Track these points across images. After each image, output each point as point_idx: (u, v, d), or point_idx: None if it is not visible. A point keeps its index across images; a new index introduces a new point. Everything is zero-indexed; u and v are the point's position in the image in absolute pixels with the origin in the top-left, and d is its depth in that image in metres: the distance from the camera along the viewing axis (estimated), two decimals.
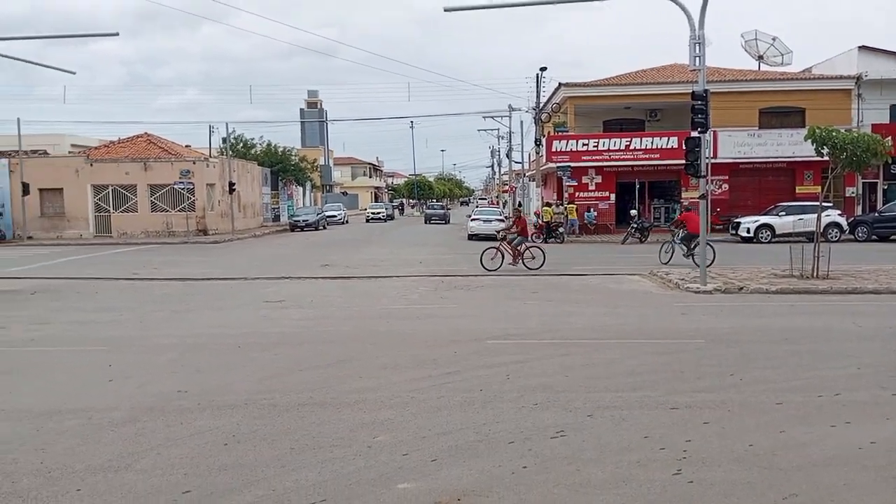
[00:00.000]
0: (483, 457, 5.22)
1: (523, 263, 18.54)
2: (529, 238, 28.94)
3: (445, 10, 16.85)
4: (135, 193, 35.69)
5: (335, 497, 4.56)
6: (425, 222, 53.96)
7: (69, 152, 41.89)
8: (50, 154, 39.37)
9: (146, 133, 40.80)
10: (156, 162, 35.86)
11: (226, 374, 7.84)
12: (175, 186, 33.80)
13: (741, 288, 14.18)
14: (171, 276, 18.27)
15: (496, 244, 19.38)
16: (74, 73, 31.25)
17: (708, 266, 16.97)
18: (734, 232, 28.86)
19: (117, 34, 21.16)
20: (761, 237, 27.68)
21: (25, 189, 33.22)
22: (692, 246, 18.94)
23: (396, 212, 72.61)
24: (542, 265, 18.36)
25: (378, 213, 59.99)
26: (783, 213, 28.20)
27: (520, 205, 36.89)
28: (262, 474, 4.96)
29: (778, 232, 27.58)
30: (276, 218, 50.99)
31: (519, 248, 18.81)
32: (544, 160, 35.30)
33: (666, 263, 19.13)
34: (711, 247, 18.32)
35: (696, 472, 4.87)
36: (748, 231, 27.98)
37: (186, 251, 27.75)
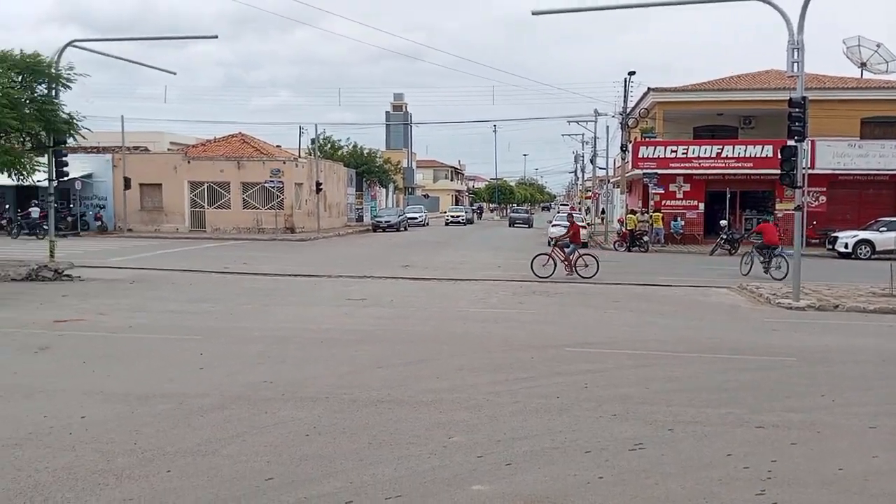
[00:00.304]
0: (558, 464, 5.19)
1: (576, 272, 18.01)
2: (616, 245, 28.45)
3: (533, 14, 16.81)
4: (228, 191, 37.10)
5: (410, 494, 4.63)
6: (510, 225, 56.88)
7: (168, 149, 43.91)
8: (150, 151, 41.39)
9: (240, 133, 42.35)
10: (248, 161, 37.17)
11: (309, 368, 8.06)
12: (266, 185, 34.99)
13: (837, 305, 13.54)
14: (260, 271, 18.90)
15: (548, 250, 18.85)
16: (175, 74, 32.89)
17: (782, 279, 17.49)
18: (831, 247, 27.56)
19: (216, 37, 22.10)
20: (860, 253, 26.32)
21: (127, 184, 35.01)
22: (768, 258, 18.90)
23: (475, 216, 72.37)
24: (595, 273, 17.76)
25: (458, 216, 58.75)
26: (884, 228, 26.73)
27: (604, 210, 36.31)
28: (341, 466, 5.08)
29: (878, 248, 26.15)
30: (360, 218, 52.00)
31: (571, 255, 18.25)
32: (630, 166, 34.66)
33: (746, 275, 18.86)
34: (784, 258, 18.49)
35: (782, 494, 4.70)
36: (846, 246, 26.67)
37: (274, 248, 28.65)
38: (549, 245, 22.43)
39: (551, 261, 18.08)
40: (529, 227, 53.48)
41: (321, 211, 39.35)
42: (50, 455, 5.22)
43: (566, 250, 18.34)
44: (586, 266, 18.02)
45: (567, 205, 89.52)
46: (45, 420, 6.02)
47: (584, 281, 17.50)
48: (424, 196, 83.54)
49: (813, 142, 28.52)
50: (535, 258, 18.31)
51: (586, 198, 70.66)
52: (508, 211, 77.84)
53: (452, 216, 58.92)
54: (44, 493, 4.56)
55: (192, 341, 9.44)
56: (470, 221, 61.99)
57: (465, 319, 11.66)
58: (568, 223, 19.22)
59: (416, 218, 52.05)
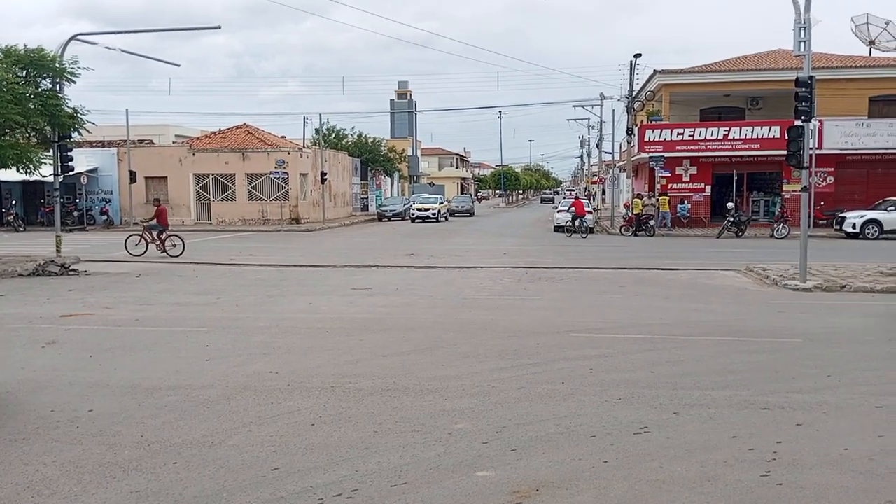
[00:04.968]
0: (563, 449, 5.19)
1: (166, 252, 19.92)
2: (623, 229, 28.80)
3: None
4: (233, 182, 37.14)
5: (415, 481, 4.64)
6: (541, 202, 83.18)
7: (173, 142, 43.96)
8: (155, 144, 41.41)
9: (245, 124, 42.35)
10: (253, 152, 37.18)
11: (314, 357, 8.08)
12: (270, 176, 35.01)
13: (843, 286, 13.48)
14: (265, 262, 18.94)
15: (140, 231, 20.81)
16: (179, 66, 32.94)
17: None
18: (838, 227, 27.43)
19: (219, 27, 22.15)
20: (868, 233, 26.19)
21: (132, 177, 35.08)
22: (578, 225, 28.99)
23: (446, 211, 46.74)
24: (182, 252, 19.79)
25: (426, 209, 41.58)
26: (892, 207, 26.58)
27: (604, 191, 36.09)
28: (346, 455, 5.10)
29: (886, 228, 26.06)
30: (365, 207, 52.00)
31: (160, 235, 19.97)
32: (636, 150, 34.50)
33: (569, 237, 28.32)
34: (586, 224, 28.81)
35: (786, 475, 4.69)
36: (853, 226, 26.54)
37: (280, 239, 28.70)
38: (564, 231, 29.86)
39: (143, 241, 20.13)
40: (553, 202, 70.19)
41: (326, 201, 39.38)
42: (57, 449, 5.25)
43: (152, 230, 20.29)
44: (174, 246, 20.10)
45: (573, 190, 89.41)
46: (52, 414, 6.06)
47: (591, 266, 17.47)
48: (430, 184, 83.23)
49: (820, 121, 28.32)
50: (127, 238, 20.51)
51: (592, 182, 70.47)
52: (515, 197, 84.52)
53: (420, 209, 41.81)
54: (51, 486, 4.60)
55: (198, 333, 9.48)
56: (469, 213, 48.93)
57: (470, 307, 11.66)
58: (156, 207, 20.89)
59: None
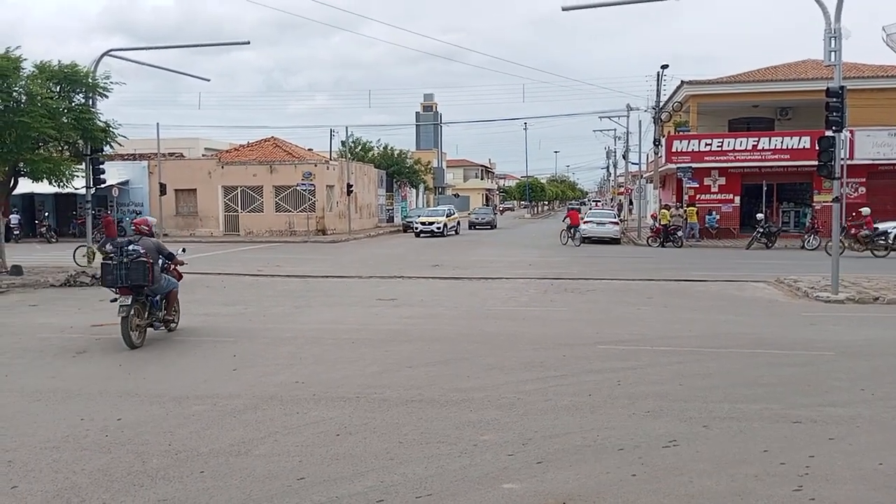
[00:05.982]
0: (590, 462, 5.13)
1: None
2: (650, 240, 28.58)
3: (563, 10, 16.71)
4: (261, 194, 37.52)
5: (440, 493, 4.61)
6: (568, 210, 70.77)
7: (202, 155, 44.54)
8: (185, 157, 42.01)
9: (272, 137, 42.82)
10: (280, 165, 37.55)
11: (340, 368, 8.10)
12: (297, 188, 35.32)
13: (876, 298, 13.22)
14: (292, 273, 19.06)
15: (95, 247, 21.08)
16: (209, 81, 33.11)
17: (577, 245, 27.08)
18: None
19: (248, 42, 22.49)
20: None
21: (163, 189, 35.54)
22: (572, 233, 30.58)
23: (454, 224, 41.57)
24: None
25: (431, 223, 37.33)
26: None
27: (631, 202, 35.79)
28: (372, 466, 5.09)
29: None
30: (391, 219, 52.20)
31: (105, 248, 20.79)
32: (663, 161, 34.24)
33: (564, 244, 29.90)
34: (578, 232, 30.75)
35: (819, 490, 4.59)
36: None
37: (306, 250, 28.89)
38: (560, 238, 31.02)
39: (89, 252, 20.30)
40: (580, 213, 61.39)
41: (352, 212, 39.58)
42: (86, 457, 5.31)
43: (100, 243, 20.89)
44: None
45: (598, 201, 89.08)
46: (81, 422, 6.13)
47: (620, 278, 17.33)
48: (455, 196, 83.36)
49: (852, 131, 27.93)
50: (76, 249, 20.88)
51: (619, 193, 70.10)
52: (540, 208, 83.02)
53: (423, 223, 37.77)
54: (80, 494, 4.65)
55: (225, 343, 9.55)
56: (490, 226, 46.15)
57: (495, 318, 11.61)
58: (102, 218, 21.89)
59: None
